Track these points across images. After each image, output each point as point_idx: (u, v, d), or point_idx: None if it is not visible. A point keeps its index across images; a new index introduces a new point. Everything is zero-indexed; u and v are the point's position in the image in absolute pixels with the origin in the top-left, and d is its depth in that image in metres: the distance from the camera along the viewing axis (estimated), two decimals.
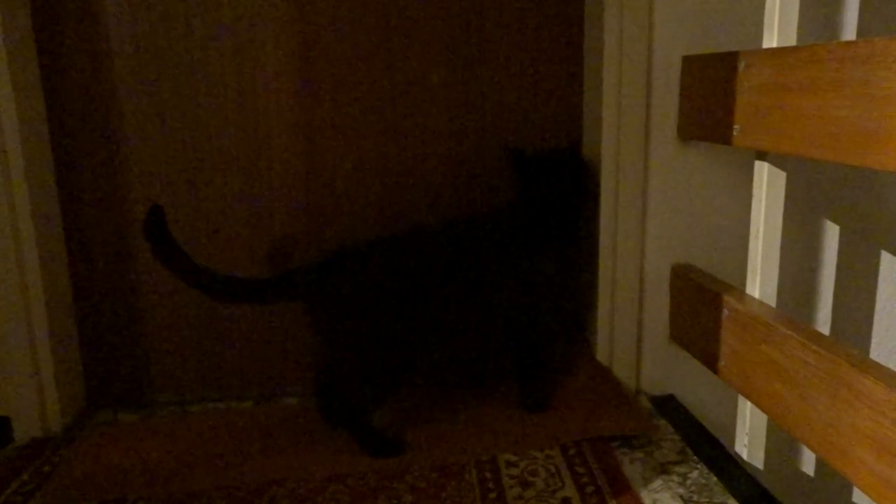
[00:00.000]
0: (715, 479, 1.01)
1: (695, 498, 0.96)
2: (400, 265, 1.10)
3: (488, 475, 1.02)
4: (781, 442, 1.24)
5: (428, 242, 1.14)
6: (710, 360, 1.12)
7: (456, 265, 1.12)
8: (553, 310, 1.28)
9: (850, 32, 1.21)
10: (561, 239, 1.22)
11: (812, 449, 0.89)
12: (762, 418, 1.11)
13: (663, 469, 1.03)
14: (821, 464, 1.34)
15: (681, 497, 0.96)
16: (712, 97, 1.08)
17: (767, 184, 1.03)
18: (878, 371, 0.77)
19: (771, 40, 0.99)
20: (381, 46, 1.25)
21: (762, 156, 1.03)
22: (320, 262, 1.11)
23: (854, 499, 1.32)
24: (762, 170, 1.03)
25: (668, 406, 1.24)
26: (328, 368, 1.17)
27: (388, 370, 1.11)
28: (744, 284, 1.08)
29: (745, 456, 1.12)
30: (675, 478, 1.01)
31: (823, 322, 1.33)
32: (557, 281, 1.24)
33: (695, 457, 1.07)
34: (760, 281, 1.05)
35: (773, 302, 1.05)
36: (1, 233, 1.12)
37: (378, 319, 1.08)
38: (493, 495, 0.97)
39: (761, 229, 1.04)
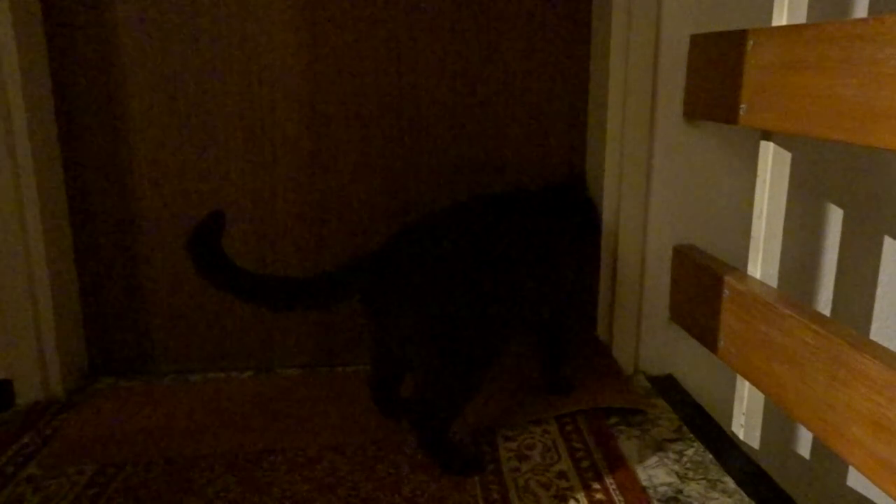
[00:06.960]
0: (711, 457, 1.01)
1: (690, 475, 0.97)
2: (475, 245, 0.97)
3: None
4: (778, 423, 1.24)
5: (486, 218, 1.02)
6: (709, 341, 1.12)
7: (523, 240, 1.03)
8: (586, 286, 1.27)
9: (861, 10, 1.20)
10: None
11: (809, 428, 0.89)
12: (759, 399, 1.12)
13: (659, 446, 1.04)
14: (816, 444, 1.35)
15: (676, 473, 0.97)
16: (719, 76, 1.07)
17: (772, 164, 1.02)
18: (876, 351, 0.78)
19: (781, 18, 0.98)
20: (388, 26, 1.24)
21: (767, 136, 1.02)
22: (384, 252, 0.97)
23: (849, 479, 1.32)
24: (767, 150, 1.03)
25: (667, 386, 1.25)
26: (391, 370, 1.08)
27: (477, 369, 0.98)
28: (746, 265, 1.08)
29: (741, 436, 1.12)
30: (670, 455, 1.02)
31: (825, 304, 1.33)
32: (590, 260, 1.24)
33: (691, 435, 1.07)
34: (763, 262, 1.05)
35: (774, 283, 1.05)
36: (4, 198, 1.12)
37: (464, 310, 0.94)
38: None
39: (765, 210, 1.04)
